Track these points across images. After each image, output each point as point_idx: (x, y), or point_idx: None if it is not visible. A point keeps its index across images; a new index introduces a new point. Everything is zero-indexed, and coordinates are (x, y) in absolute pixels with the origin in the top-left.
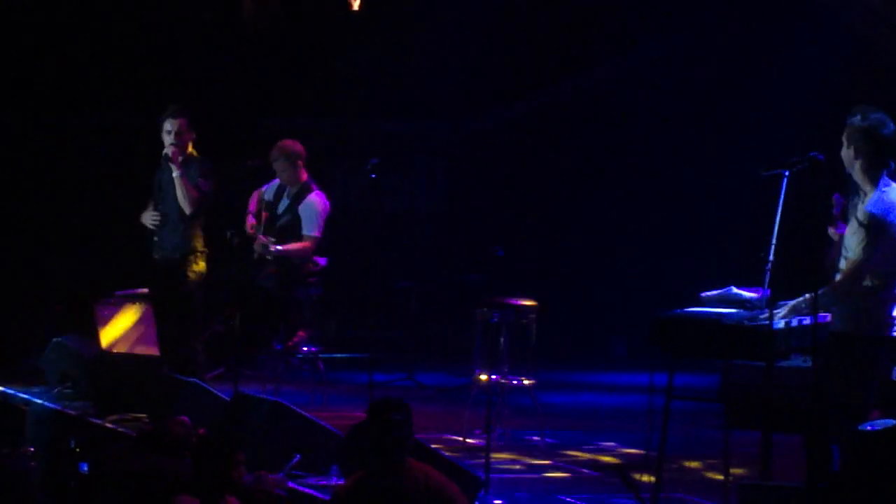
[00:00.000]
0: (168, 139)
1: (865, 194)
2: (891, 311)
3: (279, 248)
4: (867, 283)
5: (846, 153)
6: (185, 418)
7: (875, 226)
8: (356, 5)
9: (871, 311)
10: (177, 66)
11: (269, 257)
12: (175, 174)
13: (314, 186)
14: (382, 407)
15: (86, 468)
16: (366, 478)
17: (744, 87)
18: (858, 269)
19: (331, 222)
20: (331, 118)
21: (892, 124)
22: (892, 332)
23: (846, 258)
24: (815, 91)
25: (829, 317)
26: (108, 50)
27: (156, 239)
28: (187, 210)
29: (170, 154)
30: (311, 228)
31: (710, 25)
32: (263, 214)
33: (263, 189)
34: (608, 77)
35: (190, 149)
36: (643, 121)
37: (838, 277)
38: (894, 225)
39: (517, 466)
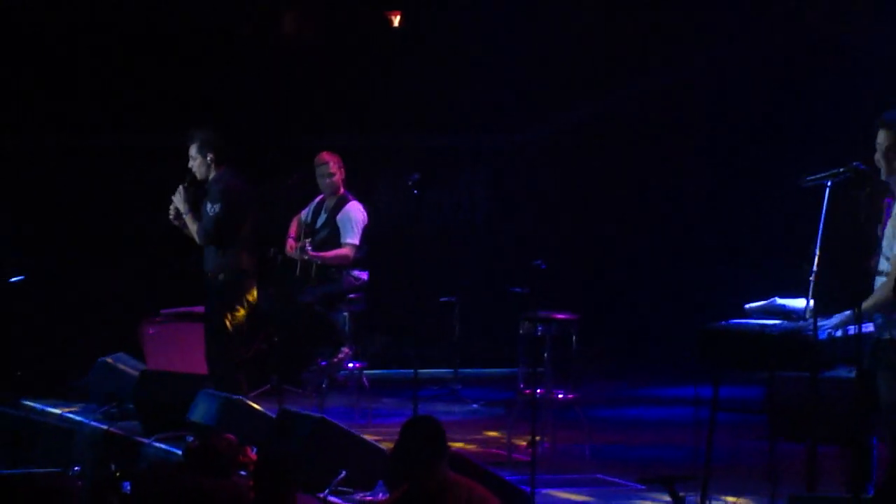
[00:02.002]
0: (190, 165)
1: None
2: None
3: (315, 252)
4: None
5: (886, 155)
6: (232, 436)
7: None
8: (396, 22)
9: None
10: (218, 84)
11: (304, 258)
12: (182, 211)
13: (351, 197)
14: (413, 424)
15: (128, 487)
16: (409, 492)
17: (788, 99)
18: None
19: (372, 236)
20: (372, 134)
21: None
22: None
23: (886, 258)
24: (861, 103)
25: (871, 326)
26: (153, 69)
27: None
28: (199, 241)
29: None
30: (349, 236)
31: (755, 37)
32: (304, 231)
33: (302, 213)
34: (654, 89)
35: (212, 168)
36: (688, 133)
37: (883, 281)
38: None
39: (563, 480)
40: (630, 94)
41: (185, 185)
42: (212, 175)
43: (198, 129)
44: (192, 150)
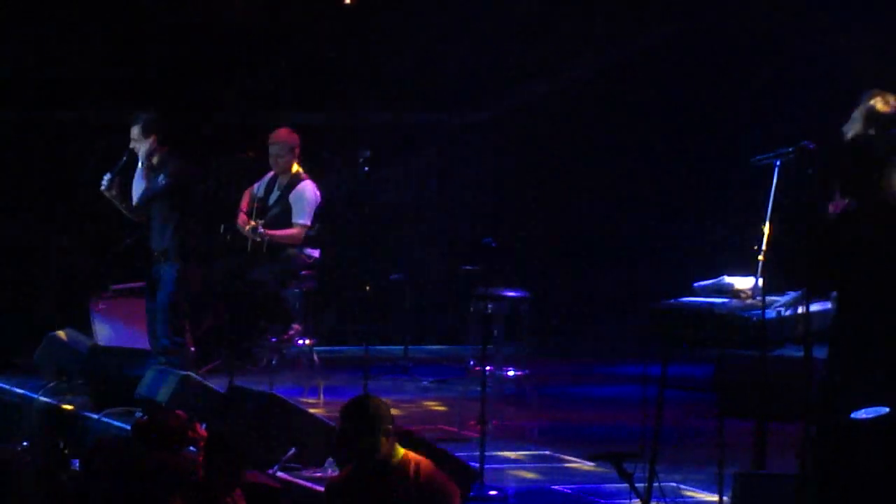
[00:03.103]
0: (135, 147)
1: None
2: None
3: (267, 231)
4: None
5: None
6: (181, 412)
7: None
8: (347, 0)
9: None
10: (168, 61)
11: (257, 239)
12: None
13: (305, 176)
14: (350, 405)
15: (77, 464)
16: (358, 469)
17: (735, 77)
18: None
19: (323, 215)
20: (323, 112)
21: None
22: None
23: None
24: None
25: (827, 304)
26: (104, 46)
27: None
28: (134, 207)
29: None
30: (301, 216)
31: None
32: (255, 206)
33: (254, 187)
34: (603, 69)
35: (155, 147)
36: (637, 112)
37: None
38: None
39: (512, 457)
40: (579, 74)
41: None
42: (156, 157)
43: (141, 111)
44: (135, 132)
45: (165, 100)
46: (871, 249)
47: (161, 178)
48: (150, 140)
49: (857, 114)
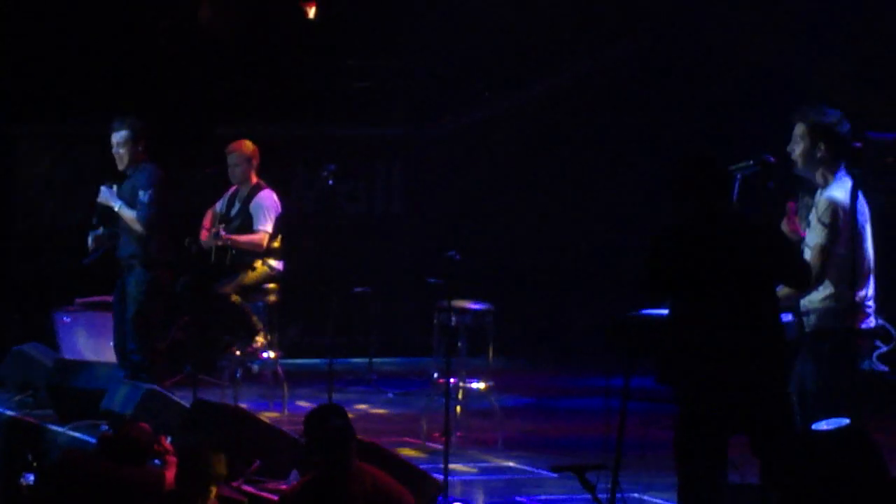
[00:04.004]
0: (116, 152)
1: (823, 188)
2: (863, 303)
3: (227, 235)
4: (838, 276)
5: (809, 150)
6: (146, 425)
7: (836, 213)
8: (312, 14)
9: (845, 305)
10: (133, 73)
11: (218, 243)
12: (115, 207)
13: (264, 185)
14: (321, 413)
15: (31, 478)
16: (313, 481)
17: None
18: (822, 254)
19: (288, 227)
20: (287, 124)
21: (847, 122)
22: (863, 324)
23: (808, 247)
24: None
25: (787, 317)
26: (63, 58)
27: (116, 246)
28: (139, 229)
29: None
30: (261, 223)
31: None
32: (218, 222)
33: (216, 205)
34: (566, 83)
35: (140, 157)
36: (600, 126)
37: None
38: (854, 213)
39: (476, 469)
40: (542, 88)
41: (109, 184)
42: (137, 164)
43: (131, 117)
44: (120, 137)
45: (129, 112)
46: (713, 256)
47: (143, 194)
48: (137, 147)
49: (799, 131)
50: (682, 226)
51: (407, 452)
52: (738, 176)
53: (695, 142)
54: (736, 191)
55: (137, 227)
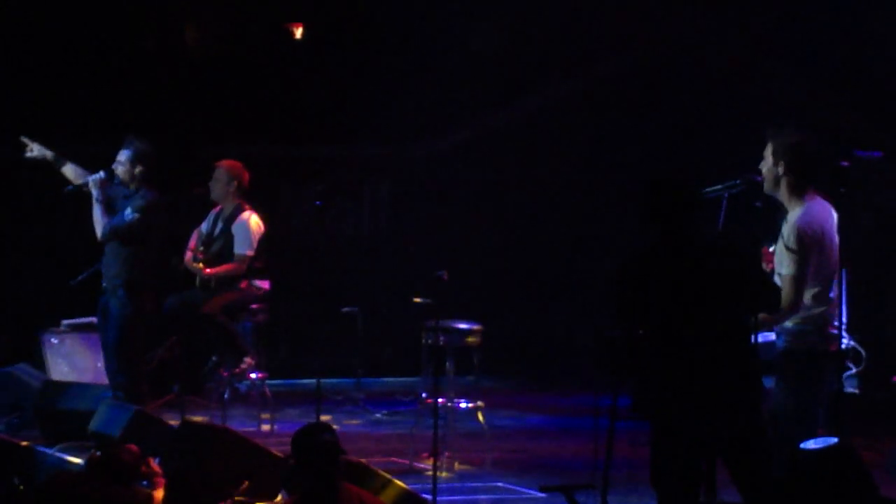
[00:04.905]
0: (114, 167)
1: (792, 211)
2: (831, 325)
3: (209, 269)
4: (806, 298)
5: (772, 170)
6: (134, 446)
7: (801, 239)
8: (299, 34)
9: (812, 327)
10: (120, 95)
11: (203, 276)
12: (95, 198)
13: (247, 207)
14: (310, 431)
15: None
16: (301, 500)
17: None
18: (794, 284)
19: (275, 247)
20: (275, 145)
21: (814, 142)
22: (832, 345)
23: (779, 275)
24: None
25: (771, 336)
26: (46, 79)
27: (101, 267)
28: (100, 235)
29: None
30: (243, 247)
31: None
32: (202, 244)
33: (202, 226)
34: (554, 100)
35: (134, 178)
36: (587, 144)
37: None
38: (823, 238)
39: (464, 488)
40: (530, 107)
41: (104, 177)
42: (136, 186)
43: (137, 138)
44: (122, 155)
45: (117, 132)
46: (676, 282)
47: (128, 213)
48: (134, 169)
49: (766, 150)
50: (646, 251)
51: (395, 473)
52: (726, 195)
53: (686, 160)
54: (723, 210)
55: (99, 230)
